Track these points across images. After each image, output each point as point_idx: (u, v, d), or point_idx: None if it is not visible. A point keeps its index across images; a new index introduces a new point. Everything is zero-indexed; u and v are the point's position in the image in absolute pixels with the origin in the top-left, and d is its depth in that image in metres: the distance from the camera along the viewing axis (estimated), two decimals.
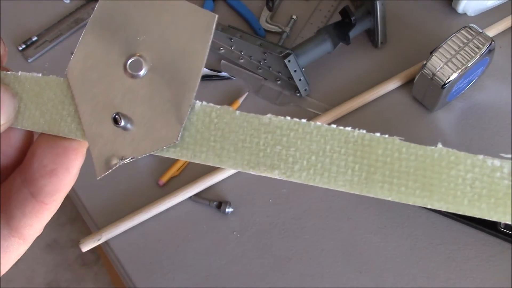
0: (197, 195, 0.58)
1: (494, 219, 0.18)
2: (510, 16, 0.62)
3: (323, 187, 0.19)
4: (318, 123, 0.19)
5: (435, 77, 0.53)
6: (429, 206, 0.18)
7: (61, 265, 1.35)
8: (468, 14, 0.63)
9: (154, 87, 0.21)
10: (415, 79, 0.57)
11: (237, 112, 0.20)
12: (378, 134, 0.19)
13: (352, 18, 0.57)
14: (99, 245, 0.58)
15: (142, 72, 0.21)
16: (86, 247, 0.56)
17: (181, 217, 0.58)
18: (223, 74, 0.64)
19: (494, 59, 0.56)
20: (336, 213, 0.56)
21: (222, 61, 0.65)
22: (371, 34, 0.63)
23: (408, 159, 0.18)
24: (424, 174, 0.18)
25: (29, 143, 0.22)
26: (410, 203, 0.18)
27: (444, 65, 0.53)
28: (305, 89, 0.61)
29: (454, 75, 0.52)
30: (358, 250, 0.54)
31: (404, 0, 0.66)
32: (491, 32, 0.60)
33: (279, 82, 0.62)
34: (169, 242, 0.57)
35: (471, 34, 0.53)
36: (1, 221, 0.21)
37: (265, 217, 0.57)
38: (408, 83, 0.60)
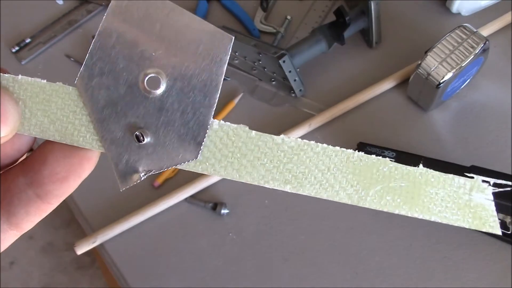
0: (192, 196, 0.58)
1: (456, 224, 0.22)
2: (504, 16, 0.62)
3: (328, 199, 0.22)
4: (325, 144, 0.22)
5: (430, 77, 0.53)
6: (409, 215, 0.22)
7: (57, 268, 1.34)
8: (462, 14, 0.63)
9: (173, 104, 0.21)
10: (410, 79, 0.57)
11: (253, 132, 0.22)
12: (373, 156, 0.22)
13: (347, 18, 0.57)
14: (94, 248, 0.57)
15: (160, 90, 0.21)
16: (81, 249, 0.56)
17: (176, 219, 0.58)
18: None
19: (488, 59, 0.56)
20: (332, 213, 0.56)
21: None
22: (365, 34, 0.63)
23: (396, 177, 0.22)
24: (407, 189, 0.22)
25: (32, 144, 0.22)
26: (396, 213, 0.22)
27: (438, 65, 0.53)
28: (300, 90, 0.61)
29: (449, 75, 0.52)
30: (354, 250, 0.54)
31: (398, 0, 0.66)
32: (485, 31, 0.61)
33: (274, 82, 0.62)
34: (164, 244, 0.57)
35: (465, 34, 0.53)
36: (1, 217, 0.21)
37: (260, 218, 0.57)
38: (403, 83, 0.60)
